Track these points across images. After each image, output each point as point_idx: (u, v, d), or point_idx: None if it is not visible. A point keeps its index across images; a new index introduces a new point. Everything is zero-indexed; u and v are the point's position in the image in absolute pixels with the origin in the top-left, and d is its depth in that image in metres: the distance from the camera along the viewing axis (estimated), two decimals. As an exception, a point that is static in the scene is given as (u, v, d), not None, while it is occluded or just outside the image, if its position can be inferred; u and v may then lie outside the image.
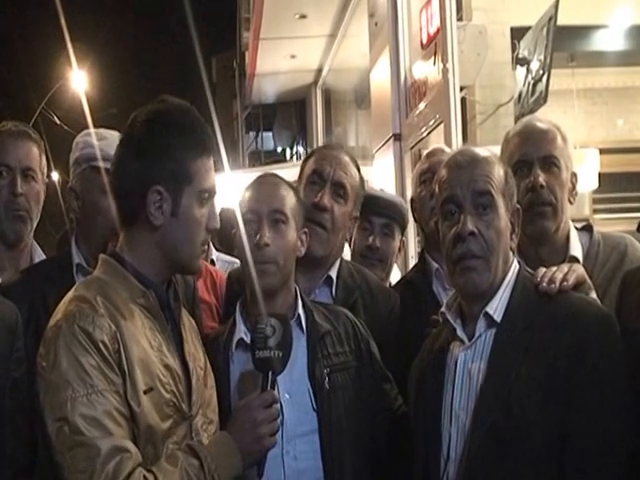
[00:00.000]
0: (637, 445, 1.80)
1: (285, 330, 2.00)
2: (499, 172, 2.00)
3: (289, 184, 2.38)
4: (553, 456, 1.80)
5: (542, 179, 2.36)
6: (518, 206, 2.06)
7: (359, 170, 2.73)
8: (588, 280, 2.08)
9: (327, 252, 2.59)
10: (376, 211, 3.30)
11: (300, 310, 2.27)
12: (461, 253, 1.95)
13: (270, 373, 1.96)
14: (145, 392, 1.79)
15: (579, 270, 2.06)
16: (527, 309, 1.94)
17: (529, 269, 2.26)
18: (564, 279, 1.97)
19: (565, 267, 2.04)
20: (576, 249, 2.41)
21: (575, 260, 2.34)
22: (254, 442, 1.88)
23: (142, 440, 1.77)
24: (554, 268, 2.03)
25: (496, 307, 1.96)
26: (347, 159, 2.69)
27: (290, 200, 2.29)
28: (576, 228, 2.50)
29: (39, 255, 2.91)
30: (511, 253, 2.03)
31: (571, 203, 2.45)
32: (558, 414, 1.80)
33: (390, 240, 3.34)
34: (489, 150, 2.10)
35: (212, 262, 3.95)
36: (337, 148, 2.77)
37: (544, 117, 2.61)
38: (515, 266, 2.04)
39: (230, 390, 2.17)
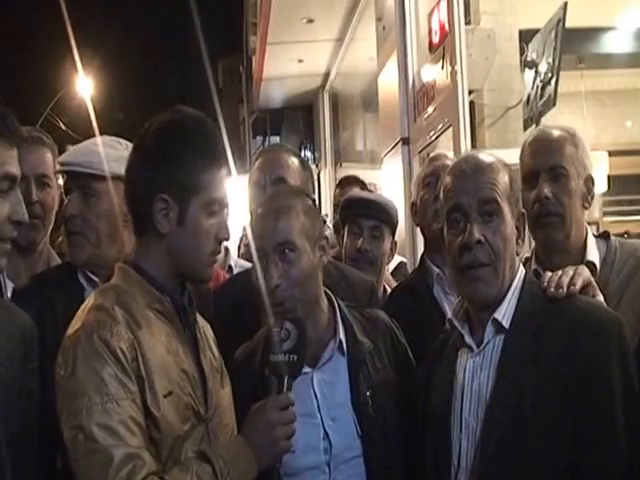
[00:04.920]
0: None
1: (300, 333, 1.96)
2: (504, 178, 2.00)
3: (297, 195, 2.30)
4: (566, 463, 1.79)
5: (547, 191, 2.37)
6: (523, 211, 2.06)
7: (298, 155, 2.74)
8: (594, 282, 2.09)
9: None
10: (364, 214, 3.32)
11: (341, 332, 2.22)
12: (468, 262, 1.95)
13: (286, 377, 1.93)
14: (165, 396, 1.82)
15: (585, 273, 2.06)
16: (535, 314, 1.94)
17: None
18: (571, 283, 1.97)
19: (571, 270, 2.04)
20: (593, 255, 2.40)
21: (592, 265, 2.34)
22: (269, 445, 1.86)
23: (165, 443, 1.80)
24: (560, 272, 2.03)
25: (504, 313, 1.96)
26: (280, 154, 2.69)
27: (297, 222, 2.18)
28: (594, 235, 2.49)
29: (56, 261, 2.91)
30: (517, 258, 2.03)
31: (586, 208, 2.45)
32: (570, 419, 1.80)
33: (380, 242, 3.35)
34: (494, 155, 2.10)
35: (230, 268, 3.93)
36: (269, 151, 2.77)
37: (557, 122, 2.61)
38: (521, 271, 2.04)
39: None
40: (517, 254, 2.02)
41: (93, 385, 1.73)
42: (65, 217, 2.46)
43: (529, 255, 2.57)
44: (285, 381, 1.93)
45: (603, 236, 2.50)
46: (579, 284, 1.98)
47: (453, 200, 2.00)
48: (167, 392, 1.83)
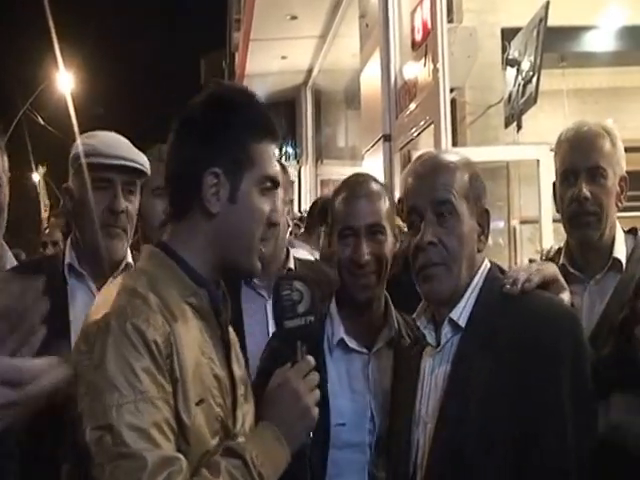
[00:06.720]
0: (600, 446, 1.81)
1: (312, 292, 1.80)
2: (462, 178, 1.98)
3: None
4: (512, 462, 1.79)
5: (586, 190, 2.36)
6: (487, 208, 2.04)
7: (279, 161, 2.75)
8: (560, 279, 2.10)
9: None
10: None
11: (395, 324, 2.28)
12: (422, 262, 1.96)
13: (299, 342, 1.78)
14: (197, 404, 1.60)
15: (548, 269, 2.07)
16: (491, 312, 1.93)
17: (574, 271, 2.39)
18: (527, 279, 1.96)
19: (534, 266, 2.06)
20: (620, 251, 2.41)
21: (618, 262, 2.37)
22: (299, 418, 1.71)
23: (193, 458, 1.58)
24: (521, 267, 2.06)
25: (461, 312, 1.95)
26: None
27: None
28: (623, 231, 2.49)
29: (8, 256, 2.88)
30: (479, 255, 2.02)
31: (618, 208, 2.45)
32: (517, 418, 1.79)
33: None
34: (458, 154, 2.10)
35: None
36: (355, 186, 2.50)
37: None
38: (485, 267, 2.02)
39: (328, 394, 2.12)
40: (479, 251, 2.01)
41: (125, 380, 1.51)
42: (113, 212, 2.41)
43: (560, 247, 2.58)
44: (300, 347, 1.78)
45: (631, 232, 2.50)
46: (536, 280, 1.97)
47: (410, 202, 2.01)
48: (199, 399, 1.61)
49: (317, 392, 1.75)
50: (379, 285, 2.24)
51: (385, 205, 2.26)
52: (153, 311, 1.59)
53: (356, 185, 2.29)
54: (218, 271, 1.77)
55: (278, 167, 1.83)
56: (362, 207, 2.22)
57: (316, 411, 1.73)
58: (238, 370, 1.83)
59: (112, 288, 1.68)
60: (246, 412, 1.81)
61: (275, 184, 1.79)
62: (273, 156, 1.80)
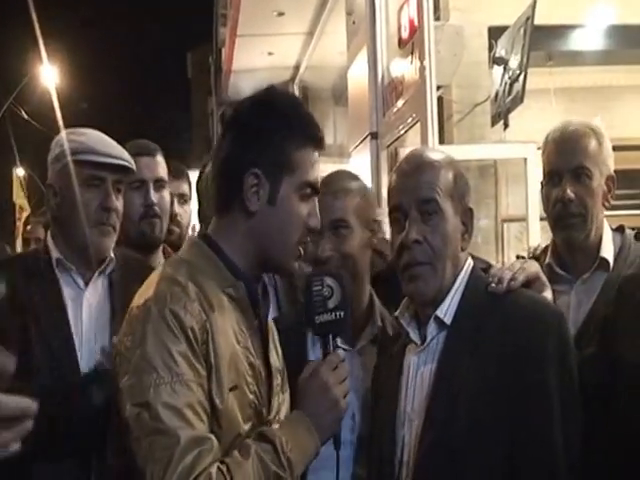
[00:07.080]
0: (586, 447, 1.82)
1: (342, 288, 1.88)
2: (446, 176, 1.99)
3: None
4: (502, 460, 1.80)
5: (571, 192, 2.36)
6: (471, 206, 2.05)
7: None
8: (542, 277, 2.10)
9: None
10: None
11: (379, 320, 2.30)
12: (407, 261, 1.96)
13: (331, 336, 1.85)
14: (230, 390, 1.71)
15: (531, 268, 2.08)
16: (476, 310, 1.95)
17: (560, 271, 2.42)
18: (512, 278, 1.98)
19: (517, 264, 2.06)
20: (607, 251, 2.41)
21: (605, 262, 2.37)
22: (328, 410, 1.77)
23: (225, 441, 1.68)
24: (505, 266, 2.05)
25: (446, 310, 1.97)
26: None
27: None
28: (611, 229, 2.49)
29: None
30: (463, 254, 2.03)
31: (605, 207, 2.44)
32: (505, 417, 1.80)
33: None
34: (442, 152, 2.11)
35: None
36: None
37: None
38: (469, 265, 2.04)
39: None
40: (463, 250, 2.02)
41: (162, 362, 1.63)
42: (105, 210, 2.43)
43: (546, 245, 2.58)
44: (331, 340, 1.85)
45: (619, 230, 2.50)
46: (521, 279, 1.99)
47: (394, 200, 2.02)
48: (233, 385, 1.72)
49: (346, 384, 1.82)
50: (352, 282, 2.21)
51: (354, 200, 2.27)
52: (191, 299, 1.69)
53: (328, 183, 2.29)
54: (256, 266, 1.87)
55: (318, 175, 1.91)
56: (327, 204, 2.22)
57: (345, 402, 1.81)
58: (276, 361, 1.94)
59: (154, 276, 1.79)
60: (281, 401, 1.92)
61: (315, 190, 1.89)
62: (315, 163, 1.89)
